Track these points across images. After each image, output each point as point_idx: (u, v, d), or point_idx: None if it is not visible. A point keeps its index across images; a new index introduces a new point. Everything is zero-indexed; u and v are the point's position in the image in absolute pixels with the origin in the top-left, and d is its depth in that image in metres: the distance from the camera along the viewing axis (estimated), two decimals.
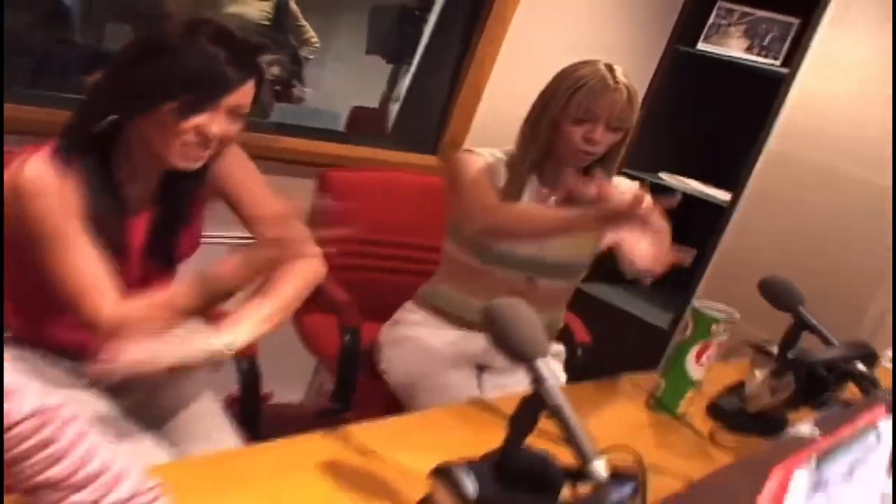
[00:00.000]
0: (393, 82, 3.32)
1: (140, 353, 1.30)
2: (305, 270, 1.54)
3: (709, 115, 3.53)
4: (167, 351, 1.34)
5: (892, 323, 2.39)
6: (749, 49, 3.35)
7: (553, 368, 1.89)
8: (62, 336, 1.51)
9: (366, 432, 1.34)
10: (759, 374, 1.66)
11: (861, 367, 1.58)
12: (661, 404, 1.67)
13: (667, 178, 3.45)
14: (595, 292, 3.30)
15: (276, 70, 3.18)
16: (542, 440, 1.06)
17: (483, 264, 1.95)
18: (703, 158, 3.54)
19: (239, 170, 1.58)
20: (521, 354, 1.05)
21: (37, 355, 1.50)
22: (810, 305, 1.72)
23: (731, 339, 1.66)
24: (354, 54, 3.44)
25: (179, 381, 1.60)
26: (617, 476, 0.98)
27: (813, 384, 1.58)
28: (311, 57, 3.47)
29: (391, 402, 2.02)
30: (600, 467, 0.98)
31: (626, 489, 0.98)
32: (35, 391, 0.83)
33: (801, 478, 0.68)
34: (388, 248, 2.44)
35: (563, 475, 1.03)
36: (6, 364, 0.81)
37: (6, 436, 0.79)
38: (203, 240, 1.63)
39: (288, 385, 2.81)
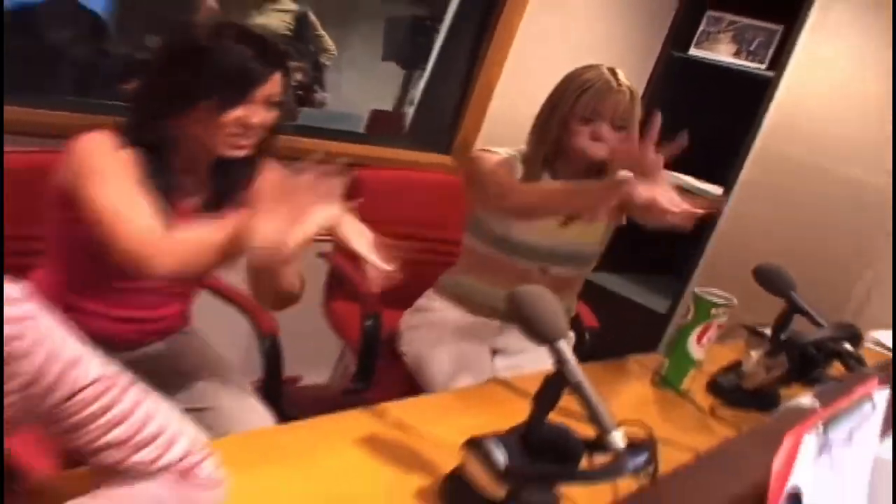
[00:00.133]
0: (407, 87, 3.34)
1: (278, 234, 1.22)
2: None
3: (701, 116, 3.50)
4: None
5: (892, 309, 2.41)
6: (737, 54, 3.37)
7: None
8: (103, 325, 1.50)
9: (398, 409, 1.35)
10: (755, 354, 1.69)
11: (848, 346, 1.61)
12: (666, 382, 1.69)
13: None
14: (599, 280, 3.32)
15: (299, 76, 3.20)
16: (560, 415, 1.09)
17: (499, 253, 1.96)
18: (697, 156, 3.53)
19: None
20: (544, 336, 1.08)
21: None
22: (799, 288, 1.74)
23: (727, 322, 1.69)
24: (371, 62, 3.46)
25: (212, 367, 1.61)
26: (632, 446, 1.02)
27: (804, 363, 1.61)
28: (328, 63, 3.48)
29: (410, 384, 2.03)
30: (618, 438, 1.01)
31: (641, 458, 1.01)
32: (97, 359, 0.83)
33: (809, 441, 0.71)
34: (408, 240, 2.45)
35: (583, 446, 1.06)
36: (72, 333, 0.82)
37: (72, 401, 0.80)
38: None
39: (314, 369, 2.84)
